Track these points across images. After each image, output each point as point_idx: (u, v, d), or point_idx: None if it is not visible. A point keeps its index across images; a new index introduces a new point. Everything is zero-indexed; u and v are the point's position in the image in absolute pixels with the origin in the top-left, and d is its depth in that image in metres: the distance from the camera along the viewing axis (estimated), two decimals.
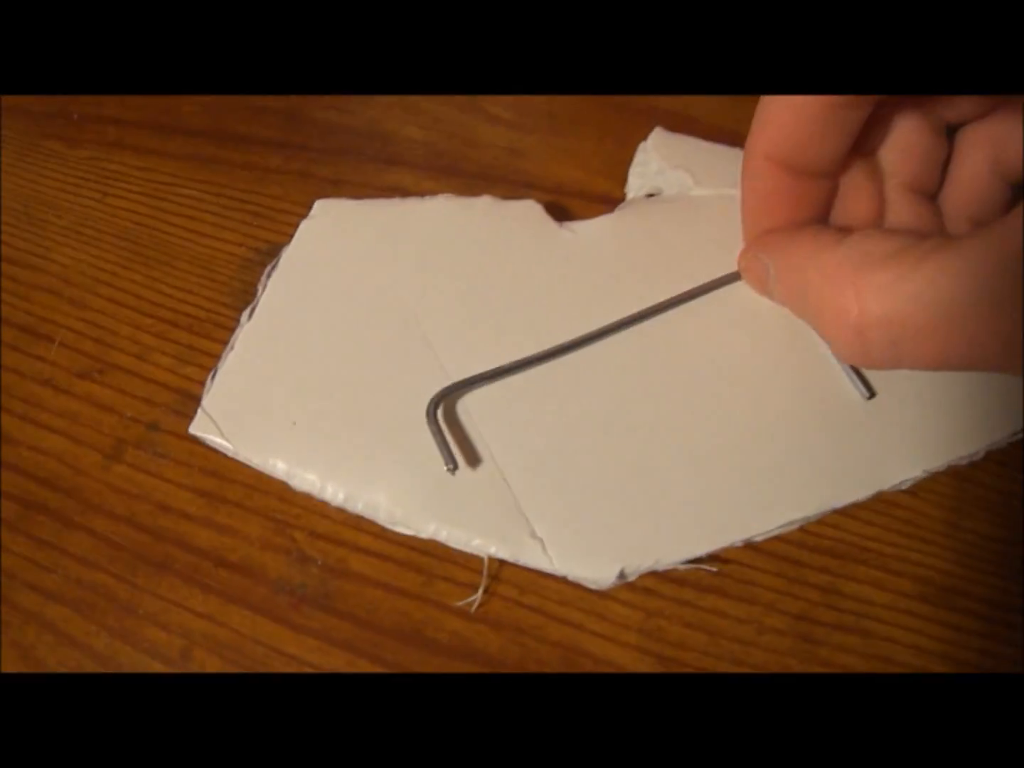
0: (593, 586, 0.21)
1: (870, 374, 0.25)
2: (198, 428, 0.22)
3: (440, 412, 0.22)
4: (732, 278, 0.25)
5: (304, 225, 0.24)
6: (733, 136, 0.28)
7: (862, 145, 0.23)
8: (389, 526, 0.22)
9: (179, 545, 0.22)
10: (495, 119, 0.28)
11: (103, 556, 0.23)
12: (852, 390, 0.24)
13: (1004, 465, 0.25)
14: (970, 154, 0.23)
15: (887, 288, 0.19)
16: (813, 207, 0.24)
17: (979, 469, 0.25)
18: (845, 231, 0.22)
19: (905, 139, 0.23)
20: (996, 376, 0.25)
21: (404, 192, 0.26)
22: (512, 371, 0.23)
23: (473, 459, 0.22)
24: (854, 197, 0.24)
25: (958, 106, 0.22)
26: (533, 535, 0.21)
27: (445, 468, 0.21)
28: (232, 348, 0.23)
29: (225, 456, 0.22)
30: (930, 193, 0.24)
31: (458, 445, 0.22)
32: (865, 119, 0.21)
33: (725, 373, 0.24)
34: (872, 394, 0.24)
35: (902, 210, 0.24)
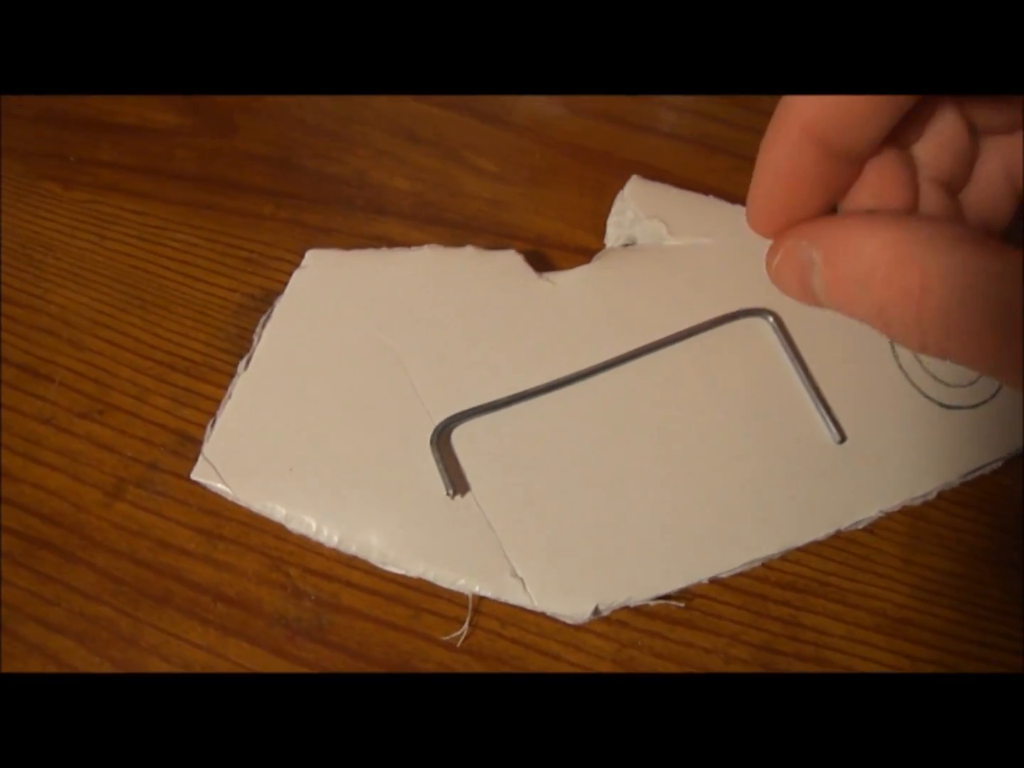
0: (570, 621, 0.25)
1: (842, 419, 0.28)
2: (200, 475, 0.25)
3: (440, 443, 0.25)
4: (711, 324, 0.28)
5: (296, 275, 0.27)
6: (706, 188, 0.31)
7: (896, 133, 0.23)
8: (381, 565, 0.25)
9: (179, 580, 0.25)
10: (479, 171, 0.31)
11: (105, 590, 0.25)
12: (825, 434, 0.27)
13: (957, 503, 0.29)
14: (989, 160, 0.24)
15: (953, 273, 0.19)
16: (836, 193, 0.24)
17: (933, 507, 0.28)
18: (895, 213, 0.23)
19: (942, 134, 0.23)
20: (950, 418, 0.29)
21: (392, 241, 0.29)
22: (511, 403, 0.26)
23: (464, 494, 0.25)
24: (884, 184, 0.24)
25: (989, 115, 0.23)
26: (514, 574, 0.25)
27: (446, 493, 0.24)
28: (230, 396, 0.26)
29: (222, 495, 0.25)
30: (956, 191, 0.25)
31: (455, 478, 0.25)
32: (910, 106, 0.21)
33: (699, 417, 0.27)
34: (844, 438, 0.27)
35: (930, 203, 0.24)
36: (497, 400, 0.26)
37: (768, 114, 0.34)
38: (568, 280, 0.28)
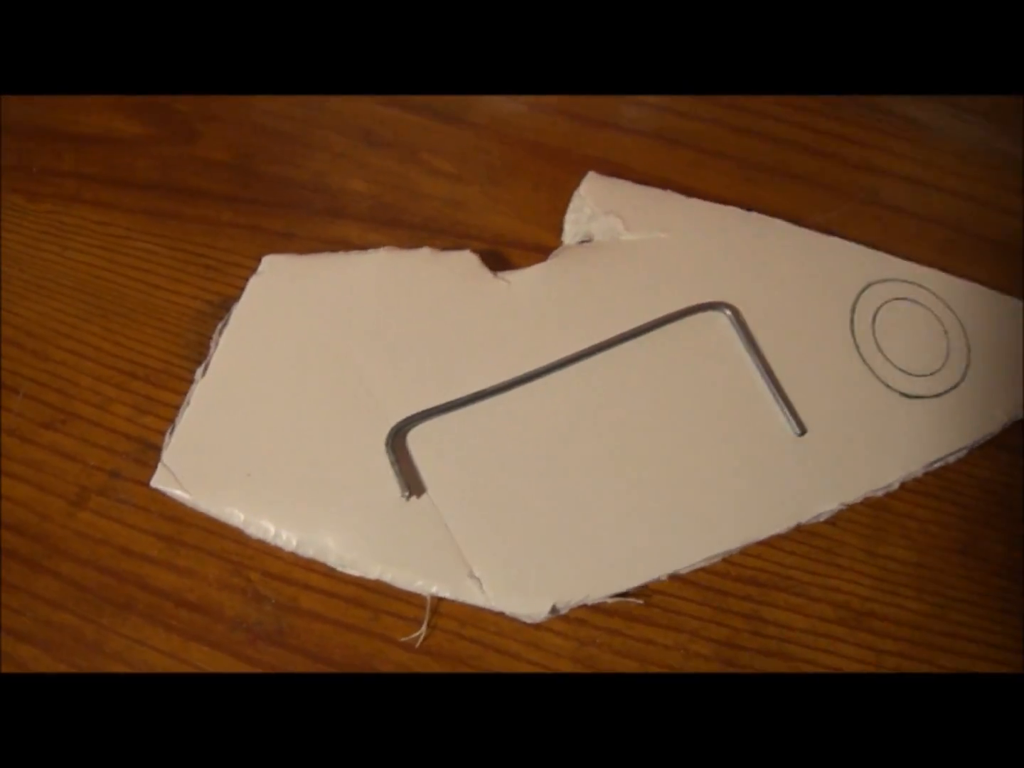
0: (528, 620, 0.25)
1: (799, 412, 0.28)
2: (159, 482, 0.26)
3: (395, 445, 0.26)
4: (669, 319, 0.28)
5: (253, 281, 0.28)
6: (666, 183, 0.31)
7: None
8: (339, 568, 0.26)
9: (141, 587, 0.26)
10: (437, 172, 0.31)
11: (70, 598, 0.26)
12: (784, 427, 0.28)
13: (920, 494, 0.29)
14: None
15: None
16: None
17: (896, 498, 0.29)
18: None
19: None
20: (913, 408, 0.29)
21: (350, 244, 0.30)
22: (466, 403, 0.26)
23: (419, 495, 0.25)
24: None
25: None
26: (471, 575, 0.25)
27: (402, 495, 0.25)
28: (188, 404, 0.26)
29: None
30: None
31: (408, 479, 0.25)
32: None
33: (659, 412, 0.27)
34: (803, 431, 0.28)
35: None
36: (452, 401, 0.26)
37: (728, 107, 0.34)
38: (524, 279, 0.28)
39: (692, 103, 0.34)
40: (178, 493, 0.26)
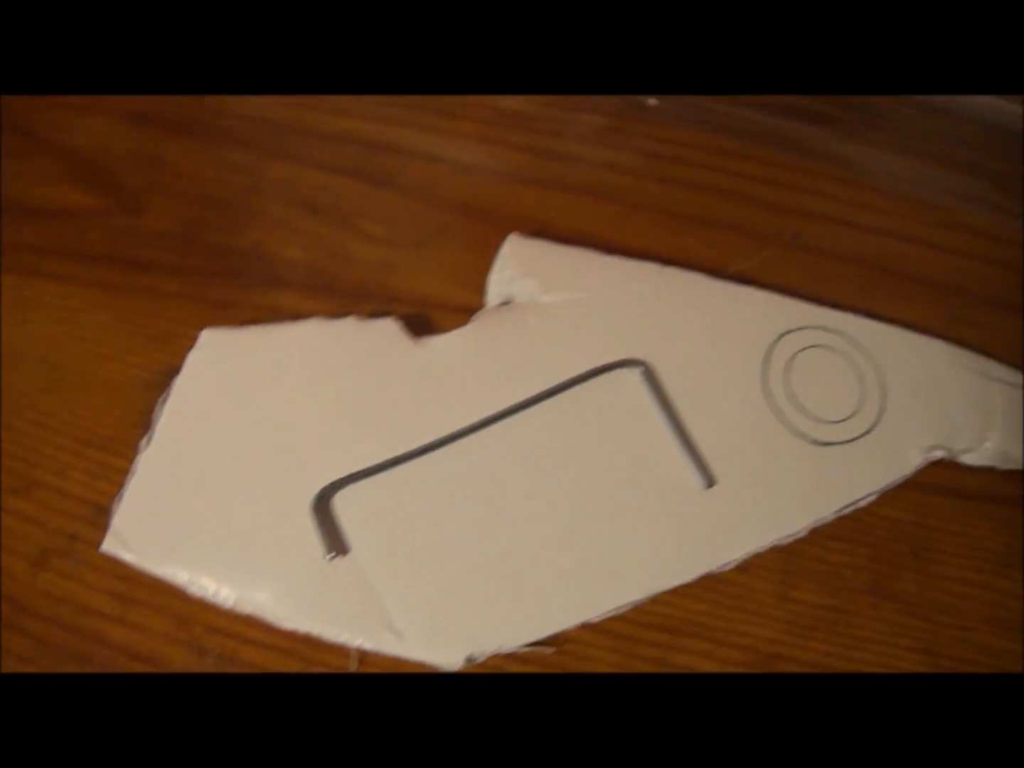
0: (445, 669, 0.27)
1: (710, 463, 0.30)
2: (109, 546, 0.28)
3: (320, 508, 0.28)
4: (582, 378, 0.30)
5: (191, 355, 0.30)
6: (591, 237, 0.33)
7: None
8: (274, 622, 0.28)
9: (98, 642, 0.29)
10: (369, 236, 0.33)
11: (37, 654, 0.29)
12: (693, 480, 0.29)
13: (832, 538, 0.30)
14: None
15: None
16: None
17: (807, 543, 0.30)
18: None
19: None
20: (825, 455, 0.30)
21: (284, 312, 0.32)
22: (385, 467, 0.28)
23: (344, 554, 0.28)
24: None
25: None
26: (392, 628, 0.27)
27: (325, 556, 0.27)
28: (134, 472, 0.29)
29: None
30: None
31: (334, 539, 0.27)
32: None
33: (572, 469, 0.29)
34: (712, 483, 0.29)
35: None
36: (372, 466, 0.28)
37: (652, 156, 0.35)
38: (442, 344, 0.30)
39: (613, 156, 0.35)
40: (126, 556, 0.28)
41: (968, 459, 0.32)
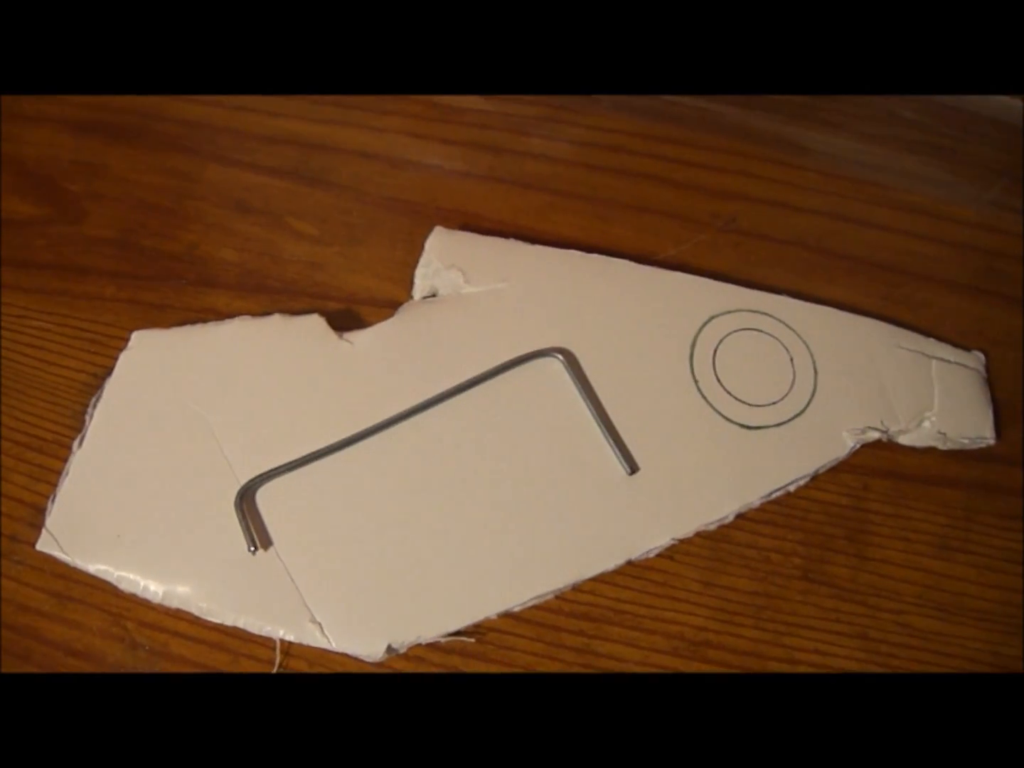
0: (367, 659, 0.28)
1: (634, 450, 0.30)
2: (44, 545, 0.29)
3: (244, 503, 0.28)
4: (502, 368, 0.30)
5: (123, 356, 0.31)
6: (520, 228, 0.33)
7: None
8: (200, 615, 0.29)
9: (36, 639, 0.30)
10: (299, 235, 0.34)
11: None
12: (616, 466, 0.29)
13: (761, 522, 0.30)
14: None
15: None
16: None
17: (736, 528, 0.30)
18: None
19: None
20: (754, 439, 0.30)
21: (218, 312, 0.32)
22: (307, 461, 0.29)
23: (267, 548, 0.28)
24: None
25: None
26: (313, 620, 0.28)
27: (248, 549, 0.28)
28: (67, 473, 0.30)
29: None
30: None
31: (257, 534, 0.28)
32: None
33: (493, 458, 0.30)
34: (634, 470, 0.29)
35: None
36: (294, 460, 0.29)
37: (582, 144, 0.35)
38: (366, 339, 0.31)
39: (547, 146, 0.36)
40: (60, 555, 0.29)
41: (907, 440, 0.31)
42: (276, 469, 0.29)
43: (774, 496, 0.30)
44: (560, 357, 0.30)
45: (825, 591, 0.30)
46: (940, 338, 0.33)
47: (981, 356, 0.33)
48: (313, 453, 0.29)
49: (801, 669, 0.29)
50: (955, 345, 0.33)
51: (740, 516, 0.30)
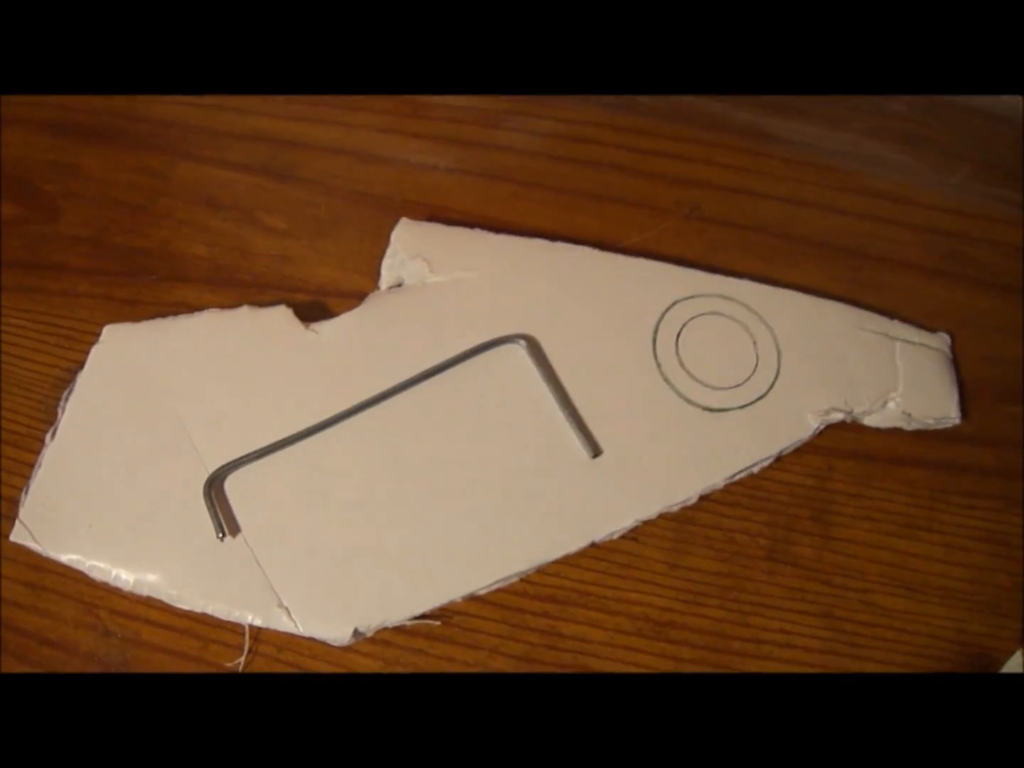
0: (334, 643, 0.28)
1: (598, 434, 0.30)
2: (17, 536, 0.30)
3: (212, 491, 0.29)
4: (465, 356, 0.30)
5: (94, 350, 0.31)
6: (487, 219, 0.34)
7: None
8: (170, 603, 0.29)
9: (10, 629, 0.30)
10: (269, 229, 0.34)
11: None
12: (579, 449, 0.30)
13: (725, 504, 0.31)
14: None
15: None
16: None
17: (700, 510, 0.30)
18: None
19: None
20: (717, 422, 0.31)
21: (189, 306, 0.33)
22: (273, 450, 0.29)
23: (235, 534, 0.29)
24: None
25: None
26: (280, 604, 0.28)
27: (216, 536, 0.28)
28: (40, 465, 0.30)
29: None
30: None
31: (225, 521, 0.28)
32: None
33: (457, 444, 0.30)
34: (597, 453, 0.29)
35: None
36: (261, 448, 0.29)
37: (546, 135, 0.36)
38: (331, 328, 0.31)
39: (514, 138, 0.36)
40: (32, 545, 0.30)
41: (871, 421, 0.32)
42: (244, 457, 0.29)
43: (738, 478, 0.30)
44: (523, 343, 0.31)
45: (790, 571, 0.30)
46: (906, 320, 0.33)
47: (947, 337, 0.33)
48: (280, 441, 0.29)
49: (765, 649, 0.29)
50: (920, 327, 0.33)
51: (704, 498, 0.30)
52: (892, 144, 0.36)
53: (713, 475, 0.30)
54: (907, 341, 0.32)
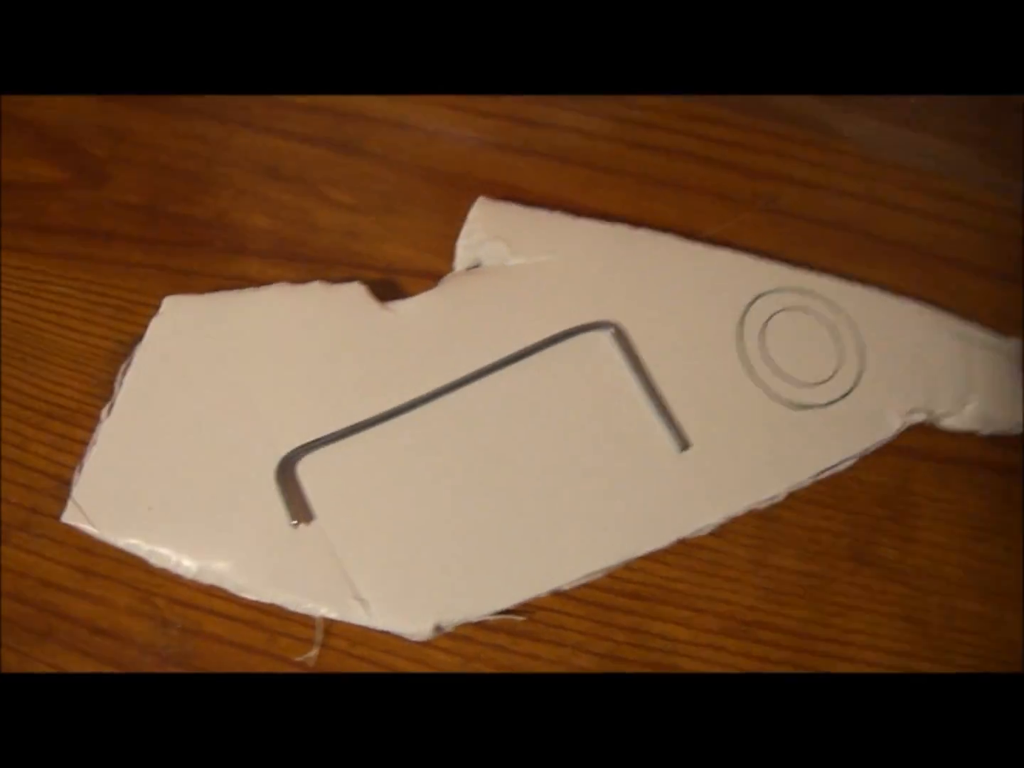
0: (413, 638, 0.27)
1: (684, 427, 0.29)
2: (70, 517, 0.28)
3: (284, 474, 0.27)
4: (551, 341, 0.29)
5: (154, 322, 0.29)
6: (561, 201, 0.32)
7: None
8: (236, 592, 0.27)
9: (59, 616, 0.28)
10: (335, 203, 0.33)
11: None
12: (667, 443, 0.29)
13: (810, 503, 0.30)
14: None
15: None
16: None
17: (785, 508, 0.30)
18: None
19: None
20: (801, 418, 0.30)
21: (250, 280, 0.31)
22: (351, 432, 0.28)
23: (308, 521, 0.27)
24: None
25: None
26: (357, 596, 0.27)
27: (290, 523, 0.26)
28: (95, 443, 0.28)
29: None
30: None
31: (298, 507, 0.27)
32: None
33: (542, 433, 0.29)
34: (686, 446, 0.29)
35: None
36: (338, 431, 0.28)
37: (622, 121, 0.35)
38: (410, 308, 0.30)
39: (584, 120, 0.35)
40: (87, 527, 0.28)
41: (949, 423, 0.31)
42: (318, 440, 0.28)
43: (823, 476, 0.30)
44: (611, 330, 0.30)
45: (873, 572, 0.29)
46: (978, 323, 0.33)
47: (1020, 343, 0.33)
48: (357, 424, 0.28)
49: (850, 651, 0.28)
50: (993, 331, 0.33)
51: (790, 495, 0.29)
52: (967, 146, 0.36)
53: (800, 472, 0.29)
54: (983, 346, 0.32)
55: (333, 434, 0.28)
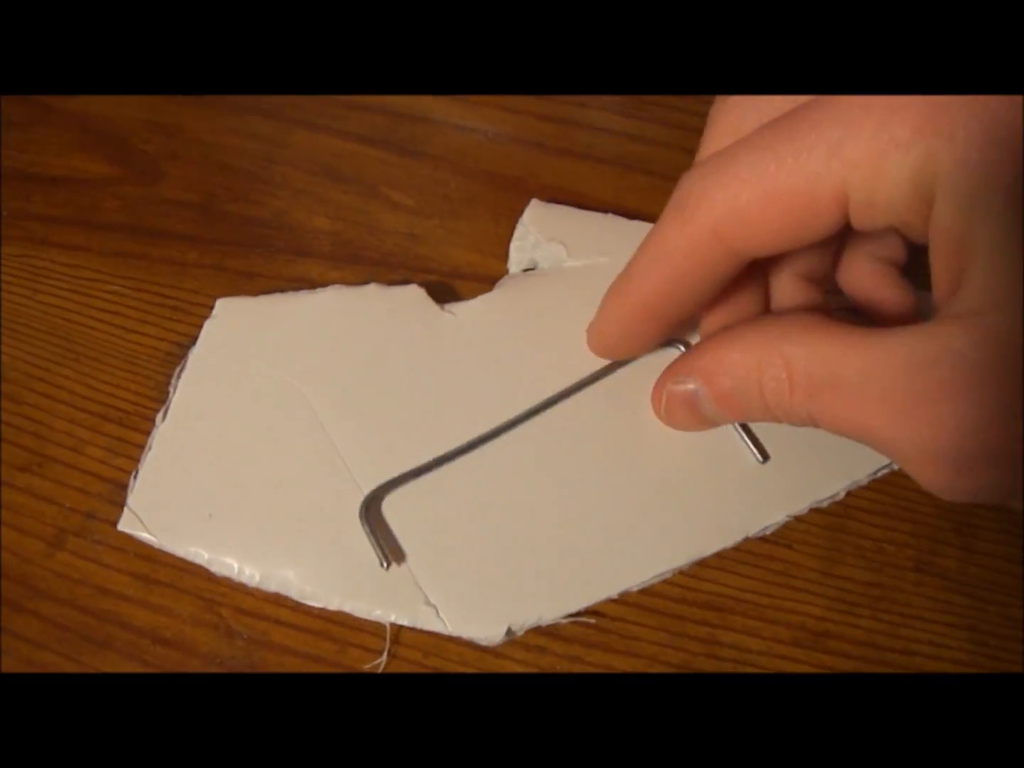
0: (485, 643, 0.26)
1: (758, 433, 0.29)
2: (126, 525, 0.27)
3: (368, 514, 0.26)
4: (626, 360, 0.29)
5: (207, 325, 0.29)
6: (623, 209, 0.32)
7: None
8: (301, 600, 0.27)
9: (118, 625, 0.27)
10: (396, 206, 0.32)
11: (51, 638, 0.27)
12: (746, 453, 0.28)
13: (876, 513, 0.30)
14: (856, 247, 0.27)
15: (808, 357, 0.20)
16: (704, 301, 0.25)
17: (850, 519, 0.29)
18: (752, 319, 0.24)
19: None
20: None
21: (311, 282, 0.30)
22: (429, 469, 0.27)
23: (400, 563, 0.26)
24: (737, 289, 0.26)
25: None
26: (427, 602, 0.26)
27: (381, 565, 0.26)
28: (150, 448, 0.28)
29: None
30: (817, 279, 0.27)
31: (385, 542, 0.26)
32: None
33: (613, 442, 0.28)
34: (767, 458, 0.28)
35: (787, 296, 0.27)
36: (421, 465, 0.27)
37: (680, 128, 0.34)
38: (468, 310, 0.29)
39: (645, 127, 0.35)
40: (144, 535, 0.27)
41: None
42: (401, 477, 0.27)
43: (879, 475, 0.30)
44: (680, 347, 0.29)
45: (936, 583, 0.29)
46: None
47: None
48: (438, 458, 0.27)
49: (917, 661, 0.28)
50: None
51: (851, 494, 0.29)
52: None
53: (858, 471, 0.29)
54: None
55: (413, 470, 0.27)
